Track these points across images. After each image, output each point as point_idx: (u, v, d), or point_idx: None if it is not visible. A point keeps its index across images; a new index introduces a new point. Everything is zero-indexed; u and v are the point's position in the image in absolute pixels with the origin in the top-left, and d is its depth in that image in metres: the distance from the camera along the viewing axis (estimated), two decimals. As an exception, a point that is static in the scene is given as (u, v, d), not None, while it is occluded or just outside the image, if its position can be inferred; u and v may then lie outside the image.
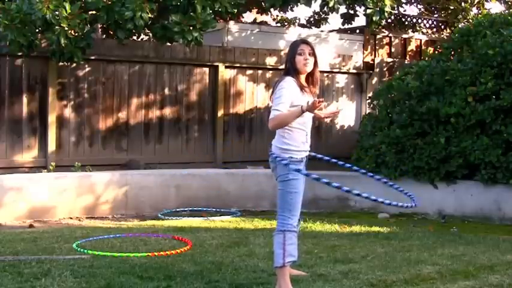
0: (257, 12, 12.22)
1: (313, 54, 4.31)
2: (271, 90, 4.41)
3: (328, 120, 10.72)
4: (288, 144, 4.24)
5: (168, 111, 9.53)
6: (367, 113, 10.30)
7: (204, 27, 8.05)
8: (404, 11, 13.13)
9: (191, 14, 7.91)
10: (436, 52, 9.72)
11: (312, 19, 13.26)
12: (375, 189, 8.76)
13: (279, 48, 10.29)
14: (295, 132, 4.26)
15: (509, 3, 12.78)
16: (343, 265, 5.02)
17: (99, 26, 9.20)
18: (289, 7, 10.12)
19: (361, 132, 9.32)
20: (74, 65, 8.64)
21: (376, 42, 11.47)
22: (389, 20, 12.02)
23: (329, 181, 3.92)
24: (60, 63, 8.52)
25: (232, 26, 10.16)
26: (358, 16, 11.53)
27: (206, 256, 5.29)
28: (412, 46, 11.90)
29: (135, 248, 5.60)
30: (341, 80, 11.00)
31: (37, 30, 7.83)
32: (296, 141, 4.26)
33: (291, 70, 4.30)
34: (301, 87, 4.26)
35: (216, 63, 9.79)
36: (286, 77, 4.28)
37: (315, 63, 4.34)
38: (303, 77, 4.34)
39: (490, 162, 7.85)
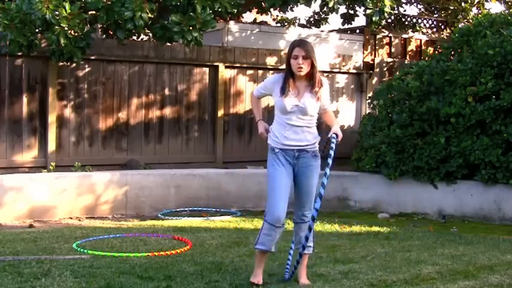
0: (257, 12, 12.20)
1: (308, 57, 4.33)
2: None
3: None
4: (271, 132, 4.49)
5: (168, 111, 9.53)
6: (367, 113, 10.30)
7: (204, 27, 8.04)
8: (405, 11, 13.14)
9: (191, 14, 7.91)
10: (436, 52, 9.72)
11: (312, 19, 13.26)
12: (375, 188, 8.80)
13: (279, 48, 10.29)
14: (275, 125, 4.47)
15: (509, 3, 12.78)
16: (343, 265, 5.02)
17: (99, 26, 9.20)
18: (289, 7, 10.10)
19: (361, 132, 9.32)
20: (74, 65, 8.64)
21: (376, 42, 11.47)
22: (389, 20, 12.03)
23: None
24: (60, 63, 8.52)
25: (232, 26, 10.16)
26: (358, 16, 11.54)
27: (206, 256, 5.29)
28: (412, 46, 11.90)
29: (135, 248, 5.60)
30: (341, 80, 11.00)
31: (37, 30, 7.83)
32: (275, 134, 4.44)
33: (288, 71, 4.42)
34: (285, 88, 4.36)
35: (216, 63, 9.79)
36: (281, 74, 4.48)
37: (312, 65, 4.37)
38: (302, 79, 4.40)
39: (490, 162, 7.85)
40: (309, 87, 4.40)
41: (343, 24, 11.59)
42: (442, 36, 12.38)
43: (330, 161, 4.22)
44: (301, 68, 4.32)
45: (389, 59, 11.44)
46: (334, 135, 4.38)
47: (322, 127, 4.66)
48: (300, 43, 4.38)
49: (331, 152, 4.24)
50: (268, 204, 4.34)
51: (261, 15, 13.28)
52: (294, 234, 4.54)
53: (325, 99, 4.50)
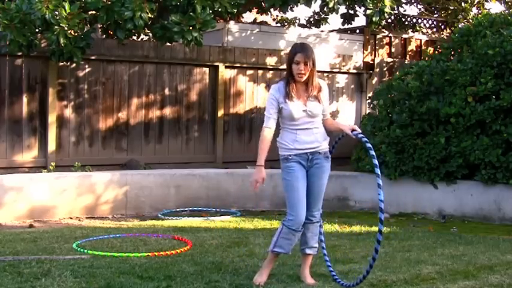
0: (257, 12, 12.21)
1: (309, 63, 4.33)
2: None
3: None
4: (280, 143, 4.45)
5: (168, 111, 9.53)
6: (367, 113, 10.30)
7: (204, 27, 8.04)
8: (405, 11, 13.15)
9: (191, 14, 7.91)
10: (436, 52, 9.72)
11: (312, 19, 13.26)
12: (375, 188, 8.77)
13: (279, 48, 10.29)
14: (285, 132, 4.45)
15: (509, 3, 12.79)
16: (343, 265, 5.02)
17: (99, 26, 9.20)
18: (289, 7, 10.10)
19: (361, 132, 9.31)
20: (74, 65, 8.64)
21: (376, 42, 11.47)
22: (389, 20, 12.03)
23: None
24: (60, 63, 8.52)
25: (232, 26, 10.15)
26: (358, 16, 11.54)
27: (206, 256, 5.29)
28: (412, 46, 11.90)
29: (135, 248, 5.60)
30: (341, 80, 11.00)
31: (36, 30, 7.83)
32: (286, 141, 4.42)
33: (288, 75, 4.43)
34: (289, 95, 4.36)
35: (216, 63, 9.79)
36: (280, 82, 4.48)
37: (312, 72, 4.37)
38: (301, 83, 4.41)
39: (490, 162, 7.85)
40: (308, 91, 4.42)
41: (343, 24, 11.60)
42: (442, 36, 12.38)
43: (378, 171, 4.17)
44: (303, 74, 4.35)
45: (390, 59, 11.44)
46: (356, 132, 4.45)
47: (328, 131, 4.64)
48: (303, 49, 4.35)
49: (375, 161, 4.22)
50: (290, 211, 4.34)
51: (261, 15, 13.29)
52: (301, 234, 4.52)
53: (325, 103, 4.51)
